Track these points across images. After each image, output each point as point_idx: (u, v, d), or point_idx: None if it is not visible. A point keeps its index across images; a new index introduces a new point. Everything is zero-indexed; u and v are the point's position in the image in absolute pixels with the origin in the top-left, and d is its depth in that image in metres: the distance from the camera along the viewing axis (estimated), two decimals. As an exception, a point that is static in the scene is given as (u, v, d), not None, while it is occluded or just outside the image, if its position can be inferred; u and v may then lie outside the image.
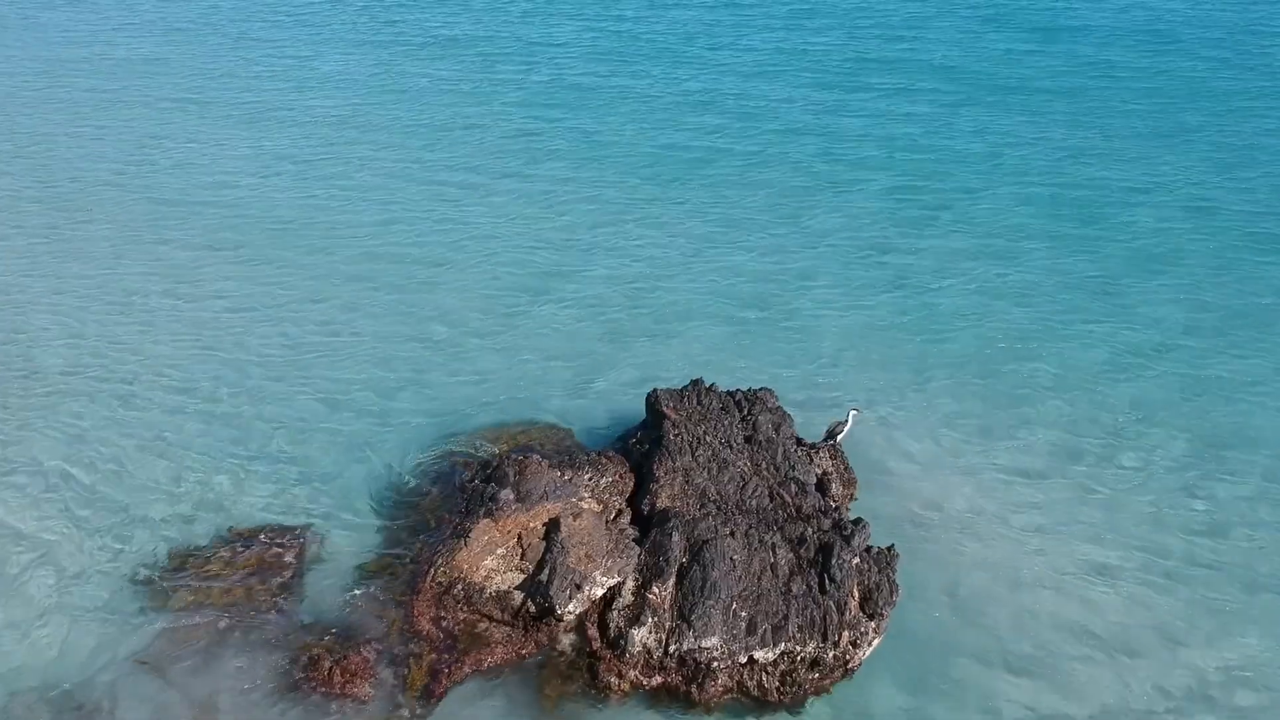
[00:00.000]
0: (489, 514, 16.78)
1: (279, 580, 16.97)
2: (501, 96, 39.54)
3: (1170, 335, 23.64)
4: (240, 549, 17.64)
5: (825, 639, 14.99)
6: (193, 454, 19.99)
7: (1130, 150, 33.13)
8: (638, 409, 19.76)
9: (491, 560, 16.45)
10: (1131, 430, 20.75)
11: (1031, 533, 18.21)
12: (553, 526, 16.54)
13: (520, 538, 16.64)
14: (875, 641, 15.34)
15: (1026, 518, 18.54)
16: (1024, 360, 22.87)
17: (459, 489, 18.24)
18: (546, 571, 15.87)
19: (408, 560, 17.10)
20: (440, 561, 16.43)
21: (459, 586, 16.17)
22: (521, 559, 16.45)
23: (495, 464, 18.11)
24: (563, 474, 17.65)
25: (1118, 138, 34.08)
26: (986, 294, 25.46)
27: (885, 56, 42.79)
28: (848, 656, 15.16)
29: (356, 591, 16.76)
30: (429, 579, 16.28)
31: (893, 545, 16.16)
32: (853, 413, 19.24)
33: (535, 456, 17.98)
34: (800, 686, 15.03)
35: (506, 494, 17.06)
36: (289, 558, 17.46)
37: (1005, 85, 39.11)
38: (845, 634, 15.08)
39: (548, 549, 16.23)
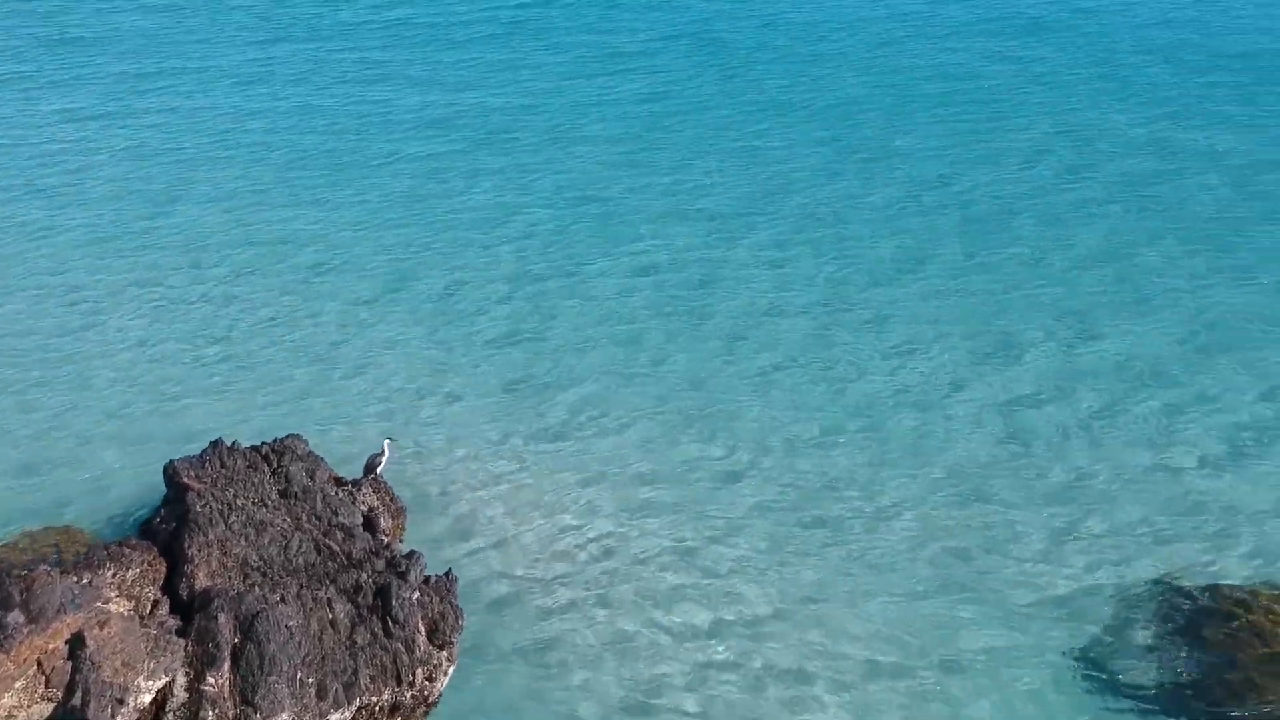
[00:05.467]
0: (-4, 646, 14.65)
1: None
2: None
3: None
4: None
5: (400, 682, 14.75)
6: None
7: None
8: (158, 485, 18.15)
9: (10, 697, 14.36)
10: (673, 411, 21.56)
11: (583, 531, 18.70)
12: (77, 641, 14.75)
13: (41, 663, 14.68)
14: (450, 669, 15.37)
15: (575, 518, 19.01)
16: (550, 364, 23.27)
17: (-46, 625, 15.70)
18: (79, 694, 14.11)
19: (-99, 725, 14.53)
20: (-56, 716, 14.14)
21: (-25, 738, 14.01)
22: (47, 686, 14.50)
23: (-5, 586, 15.78)
24: (79, 578, 15.77)
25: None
26: (504, 301, 25.70)
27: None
28: (426, 692, 15.06)
29: None
30: (-68, 741, 13.95)
31: (450, 570, 16.19)
32: (387, 442, 19.00)
33: (43, 567, 15.84)
34: (385, 734, 14.74)
35: (15, 617, 14.91)
36: None
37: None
38: (419, 671, 14.94)
39: (76, 668, 14.45)
